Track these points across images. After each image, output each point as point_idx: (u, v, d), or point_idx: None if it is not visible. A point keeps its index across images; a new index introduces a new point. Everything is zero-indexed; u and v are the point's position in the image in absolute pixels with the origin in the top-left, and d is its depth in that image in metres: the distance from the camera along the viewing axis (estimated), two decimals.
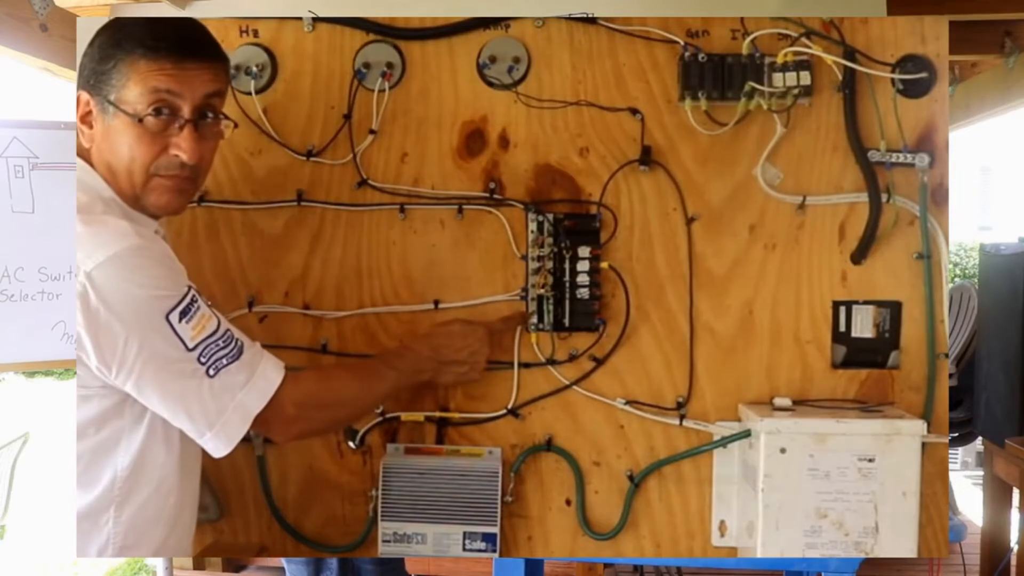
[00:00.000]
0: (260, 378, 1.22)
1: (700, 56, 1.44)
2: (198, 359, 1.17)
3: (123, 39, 1.20)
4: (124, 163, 1.22)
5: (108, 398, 1.20)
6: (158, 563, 2.32)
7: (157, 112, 1.20)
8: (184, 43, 1.21)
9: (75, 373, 1.18)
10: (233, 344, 1.21)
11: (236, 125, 1.32)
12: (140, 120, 1.20)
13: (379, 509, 1.46)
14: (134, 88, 1.19)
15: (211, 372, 1.18)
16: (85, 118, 1.23)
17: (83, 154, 1.24)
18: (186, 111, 1.22)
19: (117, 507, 1.22)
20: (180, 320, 1.16)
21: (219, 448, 1.21)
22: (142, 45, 1.19)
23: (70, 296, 2.57)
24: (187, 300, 1.17)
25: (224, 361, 1.19)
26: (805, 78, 1.41)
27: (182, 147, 1.23)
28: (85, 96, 1.22)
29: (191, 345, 1.17)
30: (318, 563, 2.39)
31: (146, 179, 1.23)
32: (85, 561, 4.23)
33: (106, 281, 1.13)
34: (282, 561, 2.23)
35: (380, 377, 1.37)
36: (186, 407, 1.19)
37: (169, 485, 1.27)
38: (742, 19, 1.45)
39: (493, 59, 1.48)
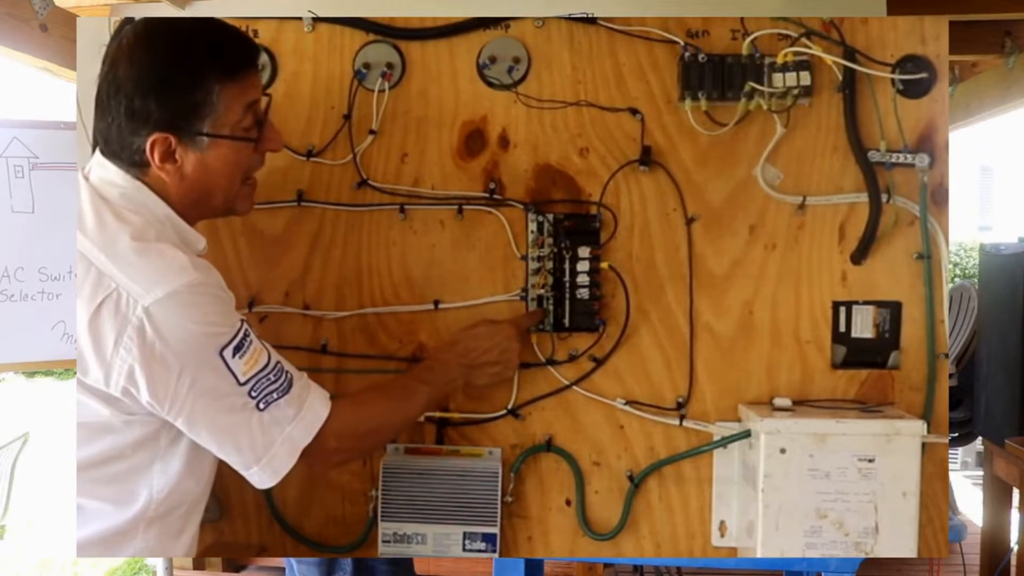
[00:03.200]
0: (308, 411, 1.22)
1: (700, 56, 1.44)
2: (249, 393, 1.17)
3: (198, 72, 1.18)
4: (223, 182, 1.23)
5: (150, 424, 1.19)
6: (158, 563, 2.32)
7: (259, 124, 1.24)
8: (249, 50, 1.24)
9: (74, 373, 1.18)
10: (283, 378, 1.21)
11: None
12: (246, 138, 1.22)
13: (379, 509, 1.46)
14: (231, 112, 1.20)
15: (261, 406, 1.18)
16: (166, 158, 1.18)
17: (155, 186, 1.20)
18: (262, 108, 1.26)
19: (147, 525, 1.23)
20: (233, 356, 1.16)
21: (264, 480, 1.21)
22: (223, 71, 1.19)
23: (70, 296, 2.57)
24: (240, 335, 1.17)
25: (275, 395, 1.19)
26: (805, 78, 1.41)
27: (275, 142, 1.29)
28: (163, 136, 1.17)
29: (243, 380, 1.17)
30: (331, 563, 2.38)
31: (239, 188, 1.26)
32: (85, 560, 4.24)
33: (165, 317, 1.12)
34: (292, 562, 2.22)
35: (414, 394, 1.35)
36: (235, 440, 1.19)
37: (194, 504, 1.28)
38: (742, 19, 1.45)
39: (493, 59, 1.48)
